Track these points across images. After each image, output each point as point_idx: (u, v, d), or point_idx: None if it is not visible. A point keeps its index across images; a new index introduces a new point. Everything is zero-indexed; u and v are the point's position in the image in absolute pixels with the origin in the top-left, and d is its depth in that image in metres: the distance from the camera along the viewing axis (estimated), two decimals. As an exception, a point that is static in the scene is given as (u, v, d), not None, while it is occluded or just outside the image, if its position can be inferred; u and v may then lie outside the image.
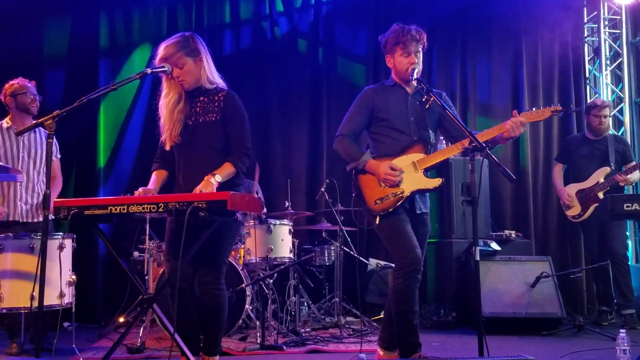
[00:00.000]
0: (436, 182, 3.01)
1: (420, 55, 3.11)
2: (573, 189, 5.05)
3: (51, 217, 3.44)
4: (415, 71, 3.03)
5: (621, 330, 3.04)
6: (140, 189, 2.82)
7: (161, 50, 2.86)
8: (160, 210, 2.54)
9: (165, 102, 2.91)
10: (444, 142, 5.45)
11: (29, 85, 4.06)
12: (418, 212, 3.09)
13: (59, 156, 4.23)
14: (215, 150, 2.87)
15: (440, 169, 5.42)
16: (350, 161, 3.09)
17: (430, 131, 3.13)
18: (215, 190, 2.66)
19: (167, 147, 2.93)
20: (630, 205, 4.23)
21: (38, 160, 4.04)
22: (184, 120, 2.90)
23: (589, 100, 6.39)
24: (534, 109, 3.03)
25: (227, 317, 4.06)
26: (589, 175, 4.97)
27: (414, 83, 3.07)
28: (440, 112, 3.15)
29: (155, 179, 2.98)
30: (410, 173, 3.00)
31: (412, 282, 2.90)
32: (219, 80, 2.97)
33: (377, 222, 2.99)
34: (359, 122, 3.14)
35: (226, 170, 2.80)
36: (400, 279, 2.90)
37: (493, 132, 2.96)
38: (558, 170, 5.28)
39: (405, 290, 2.90)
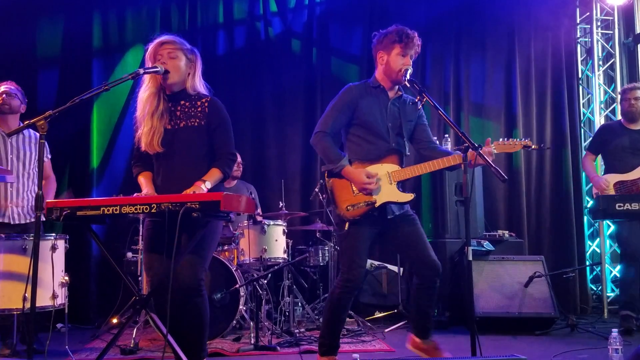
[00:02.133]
0: (408, 197, 3.06)
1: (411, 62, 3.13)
2: (612, 179, 4.66)
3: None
4: (408, 72, 3.03)
5: (613, 330, 3.06)
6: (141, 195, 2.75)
7: (160, 37, 2.85)
8: (153, 210, 2.53)
9: (145, 97, 2.86)
10: (443, 144, 5.48)
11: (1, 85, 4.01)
12: (390, 216, 3.07)
13: (49, 156, 4.21)
14: (197, 156, 2.84)
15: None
16: (327, 162, 3.07)
17: (405, 140, 3.15)
18: None
19: (143, 148, 2.86)
20: (622, 205, 4.28)
21: (27, 163, 4.01)
22: (164, 124, 2.85)
23: (581, 100, 6.45)
24: (506, 140, 3.10)
25: (221, 318, 4.07)
26: (632, 168, 4.60)
27: (407, 84, 3.06)
28: (415, 122, 3.19)
29: (146, 180, 2.91)
30: (384, 184, 3.04)
31: (349, 295, 3.06)
32: (203, 91, 2.93)
33: (346, 228, 3.03)
34: (340, 121, 3.10)
35: (214, 175, 2.79)
36: (339, 290, 3.05)
37: (456, 159, 3.01)
38: (590, 161, 4.91)
39: (341, 301, 3.07)
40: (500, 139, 3.10)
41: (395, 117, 3.13)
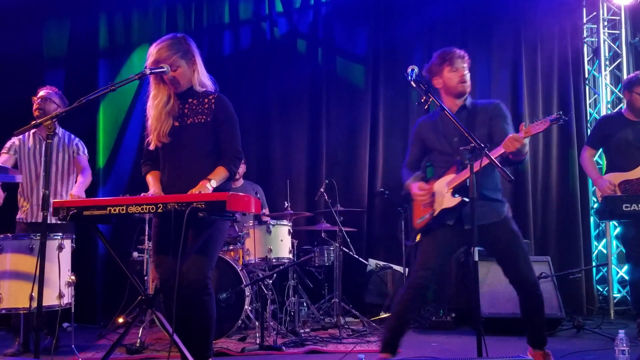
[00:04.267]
0: (454, 201, 3.09)
1: (468, 73, 3.25)
2: (616, 178, 4.31)
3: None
4: (414, 72, 3.02)
5: (620, 331, 3.04)
6: (148, 195, 2.76)
7: (153, 52, 2.79)
8: (159, 210, 2.54)
9: (155, 104, 2.87)
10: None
11: (39, 90, 4.18)
12: (466, 227, 3.05)
13: (86, 154, 4.37)
14: (202, 152, 2.85)
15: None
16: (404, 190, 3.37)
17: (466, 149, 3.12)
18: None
19: (152, 147, 2.90)
20: (629, 205, 4.22)
21: (60, 164, 4.17)
22: (172, 121, 2.87)
23: (588, 100, 6.42)
24: (535, 121, 2.98)
25: (226, 318, 4.08)
26: (637, 164, 4.27)
27: (412, 84, 3.04)
28: (488, 125, 3.18)
29: (154, 179, 2.93)
30: (443, 193, 3.15)
31: (411, 296, 3.14)
32: (209, 83, 2.93)
33: (417, 239, 3.24)
34: (414, 154, 3.40)
35: (220, 174, 2.79)
36: (404, 289, 3.17)
37: (499, 151, 2.96)
38: (589, 157, 4.50)
39: (403, 299, 3.15)
40: (530, 122, 2.98)
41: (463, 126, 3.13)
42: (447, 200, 3.10)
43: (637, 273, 4.39)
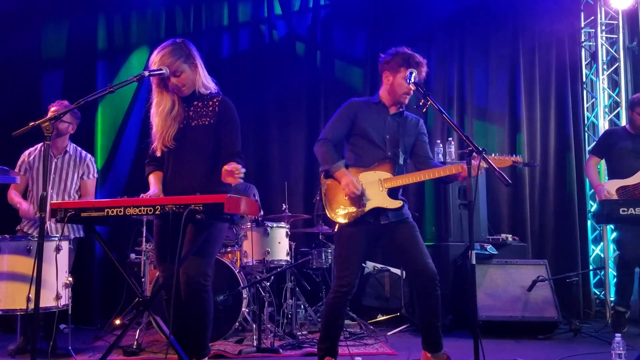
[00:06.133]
0: (396, 203, 3.10)
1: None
2: (613, 185, 4.62)
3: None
4: (413, 75, 3.03)
5: (617, 335, 3.05)
6: (145, 195, 2.76)
7: (156, 60, 2.81)
8: (157, 212, 2.55)
9: (159, 111, 2.88)
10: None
11: (51, 107, 4.05)
12: (383, 222, 3.11)
13: (96, 176, 4.28)
14: (205, 153, 2.88)
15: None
16: (324, 164, 3.14)
17: (401, 152, 3.20)
18: None
19: (158, 154, 2.92)
20: (625, 210, 4.27)
21: (69, 183, 4.11)
22: (177, 125, 2.89)
23: (585, 104, 6.43)
24: (496, 155, 3.12)
25: (223, 320, 4.08)
26: (634, 172, 4.57)
27: (412, 87, 3.06)
28: (415, 137, 3.26)
29: (155, 179, 2.94)
30: (374, 189, 3.09)
31: (341, 301, 3.09)
32: (212, 85, 2.96)
33: (335, 230, 3.14)
34: (340, 130, 3.22)
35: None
36: (332, 295, 3.11)
37: (451, 170, 3.07)
38: (593, 164, 4.89)
39: (333, 307, 3.11)
40: (493, 154, 3.12)
41: (394, 130, 3.20)
42: (383, 199, 3.08)
43: (624, 273, 4.59)
